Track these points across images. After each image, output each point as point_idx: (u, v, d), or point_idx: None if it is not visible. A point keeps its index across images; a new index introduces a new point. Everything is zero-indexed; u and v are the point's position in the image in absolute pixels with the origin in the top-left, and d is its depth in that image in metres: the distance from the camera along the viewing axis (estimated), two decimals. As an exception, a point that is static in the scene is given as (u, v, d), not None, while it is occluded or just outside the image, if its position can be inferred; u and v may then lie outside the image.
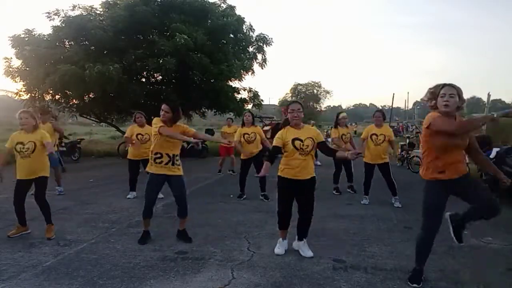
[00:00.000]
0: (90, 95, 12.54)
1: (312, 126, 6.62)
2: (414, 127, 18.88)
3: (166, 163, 3.75)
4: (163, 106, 3.79)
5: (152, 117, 4.05)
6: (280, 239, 3.64)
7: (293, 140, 3.37)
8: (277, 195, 3.57)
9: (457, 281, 2.93)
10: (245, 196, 6.17)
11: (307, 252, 3.47)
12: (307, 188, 3.44)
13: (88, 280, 2.93)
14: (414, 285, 2.82)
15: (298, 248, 3.56)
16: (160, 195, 5.81)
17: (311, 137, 3.41)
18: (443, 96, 2.62)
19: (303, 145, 3.36)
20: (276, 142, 3.46)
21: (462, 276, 3.02)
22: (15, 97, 12.90)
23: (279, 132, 3.50)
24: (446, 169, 2.72)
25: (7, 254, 3.47)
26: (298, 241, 3.58)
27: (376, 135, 5.59)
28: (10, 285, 2.83)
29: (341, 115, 6.63)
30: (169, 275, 3.02)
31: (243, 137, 6.07)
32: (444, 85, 2.66)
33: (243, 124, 6.26)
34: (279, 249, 3.57)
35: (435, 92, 2.69)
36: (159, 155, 3.74)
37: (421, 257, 2.90)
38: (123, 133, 15.28)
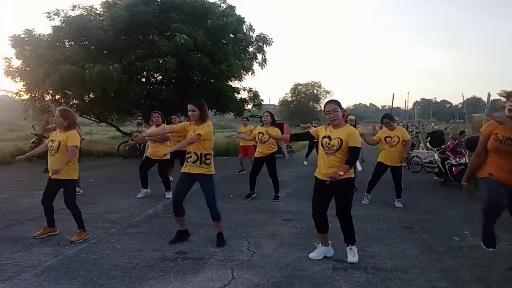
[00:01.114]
0: (90, 95, 12.54)
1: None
2: (414, 127, 18.86)
3: (194, 162, 3.69)
4: (189, 106, 3.66)
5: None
6: (320, 244, 3.50)
7: (323, 137, 3.34)
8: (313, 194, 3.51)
9: (457, 281, 2.93)
10: (254, 195, 6.17)
11: (350, 258, 3.33)
12: (339, 189, 3.29)
13: (88, 280, 2.93)
14: (491, 249, 2.87)
15: (347, 253, 3.42)
16: (169, 195, 5.84)
17: (340, 138, 3.25)
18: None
19: (329, 143, 3.29)
20: (312, 130, 3.60)
21: (462, 276, 3.02)
22: (15, 97, 12.90)
23: (320, 126, 3.54)
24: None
25: (7, 254, 3.47)
26: (346, 247, 3.44)
27: (390, 137, 5.60)
28: (10, 285, 2.83)
29: (349, 117, 6.85)
30: (169, 275, 3.02)
31: (258, 136, 6.08)
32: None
33: (262, 124, 6.23)
34: (314, 253, 3.45)
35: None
36: (189, 154, 3.72)
37: (491, 219, 2.89)
38: (123, 133, 15.43)
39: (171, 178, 6.42)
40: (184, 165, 3.81)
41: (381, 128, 6.25)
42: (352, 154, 3.23)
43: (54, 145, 3.85)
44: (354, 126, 6.80)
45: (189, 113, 3.68)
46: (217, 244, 3.76)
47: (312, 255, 3.44)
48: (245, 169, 9.18)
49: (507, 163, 2.78)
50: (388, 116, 5.93)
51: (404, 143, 5.58)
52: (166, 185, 6.12)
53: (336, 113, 3.28)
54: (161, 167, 6.11)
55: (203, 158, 3.69)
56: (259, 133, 6.07)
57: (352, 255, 3.36)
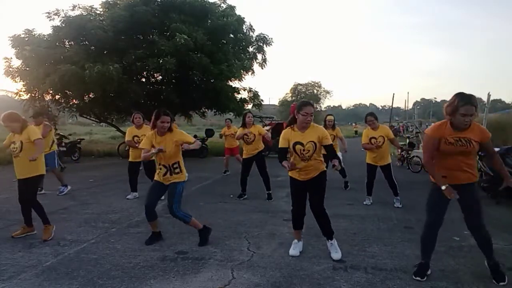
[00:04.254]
0: (90, 95, 12.55)
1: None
2: (414, 127, 18.87)
3: (165, 174, 3.73)
4: (165, 118, 3.61)
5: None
6: (295, 240, 3.59)
7: (294, 144, 3.31)
8: (290, 194, 3.55)
9: (457, 281, 2.93)
10: (245, 196, 6.17)
11: (334, 254, 3.37)
12: (315, 183, 3.37)
13: (88, 280, 2.93)
14: (418, 278, 2.91)
15: (329, 249, 3.47)
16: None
17: (313, 141, 3.28)
18: (464, 116, 2.63)
19: (303, 150, 3.28)
20: (281, 143, 3.38)
21: (462, 276, 3.02)
22: (15, 97, 12.90)
23: (284, 132, 3.42)
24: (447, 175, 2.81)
25: (7, 254, 3.48)
26: (327, 242, 3.51)
27: (375, 138, 5.55)
28: (10, 285, 2.83)
29: (327, 118, 7.00)
30: (169, 275, 3.02)
31: (243, 138, 6.07)
32: (465, 103, 2.62)
33: (244, 125, 6.13)
34: (294, 250, 3.51)
35: (454, 105, 2.66)
36: (160, 167, 3.73)
37: (425, 252, 3.03)
38: (123, 133, 15.34)
39: None
40: (157, 173, 3.80)
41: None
42: (329, 152, 3.34)
43: (16, 146, 3.84)
44: (333, 127, 6.82)
45: (163, 124, 3.61)
46: (200, 243, 3.77)
47: (293, 252, 3.49)
48: (229, 170, 9.19)
49: (454, 163, 2.80)
50: (373, 115, 5.78)
51: (390, 140, 5.56)
52: None
53: (312, 117, 3.29)
54: (147, 168, 6.08)
55: (172, 169, 3.72)
56: (244, 134, 6.05)
57: (335, 251, 3.40)
